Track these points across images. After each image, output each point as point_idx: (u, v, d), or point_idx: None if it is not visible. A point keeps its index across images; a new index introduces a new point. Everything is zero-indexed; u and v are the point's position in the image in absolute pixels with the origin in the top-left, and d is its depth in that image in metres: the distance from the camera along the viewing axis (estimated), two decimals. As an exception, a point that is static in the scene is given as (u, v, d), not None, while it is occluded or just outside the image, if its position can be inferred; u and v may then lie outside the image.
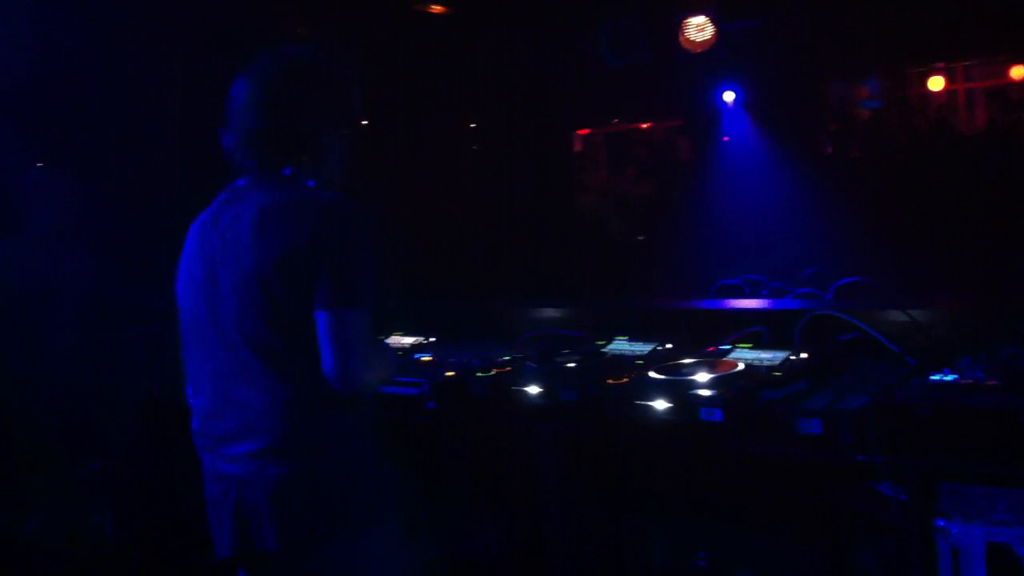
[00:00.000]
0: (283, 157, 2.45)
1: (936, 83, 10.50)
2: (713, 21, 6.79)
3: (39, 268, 4.58)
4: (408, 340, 3.96)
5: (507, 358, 3.50)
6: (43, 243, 4.63)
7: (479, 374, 3.34)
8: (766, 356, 3.02)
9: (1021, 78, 10.12)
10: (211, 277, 2.45)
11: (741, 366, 2.93)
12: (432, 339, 3.96)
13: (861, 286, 4.93)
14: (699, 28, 6.80)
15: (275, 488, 2.36)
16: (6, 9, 4.97)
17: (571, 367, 3.26)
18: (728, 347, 3.19)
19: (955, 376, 2.62)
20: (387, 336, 4.05)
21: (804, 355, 3.01)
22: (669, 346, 3.38)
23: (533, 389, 3.17)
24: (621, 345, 3.47)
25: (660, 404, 2.79)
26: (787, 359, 2.97)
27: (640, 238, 9.99)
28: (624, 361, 3.30)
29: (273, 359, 2.36)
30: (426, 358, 3.68)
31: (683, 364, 3.02)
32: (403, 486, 2.55)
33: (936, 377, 2.62)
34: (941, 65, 10.45)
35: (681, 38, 6.85)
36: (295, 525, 2.36)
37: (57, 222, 4.65)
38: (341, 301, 2.29)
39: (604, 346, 3.50)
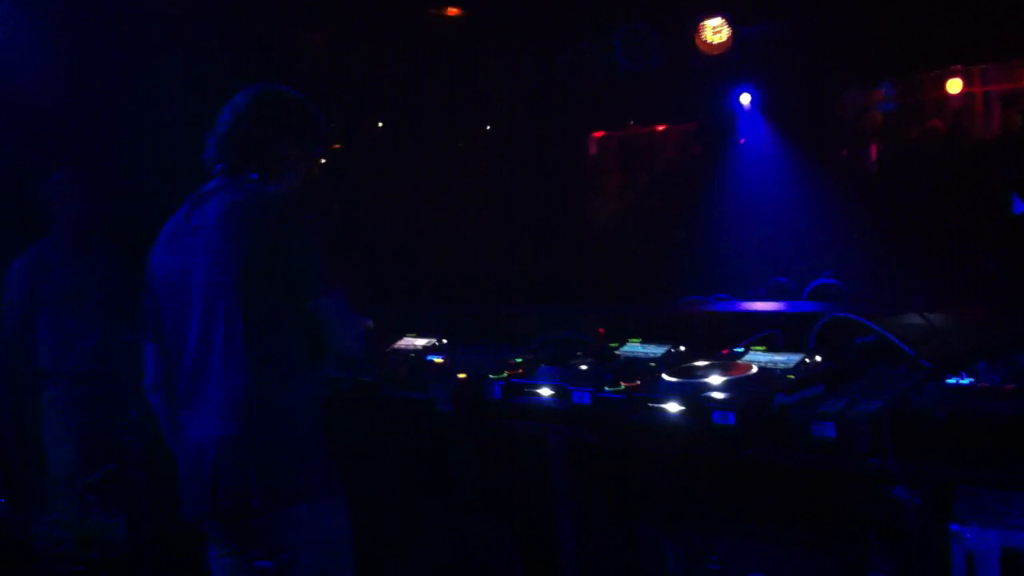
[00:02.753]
0: (249, 163, 2.80)
1: (954, 85, 10.42)
2: (729, 23, 6.76)
3: (64, 272, 4.60)
4: (420, 342, 3.95)
5: (520, 360, 3.48)
6: (68, 246, 4.65)
7: (492, 377, 3.33)
8: (780, 359, 3.00)
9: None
10: (183, 272, 2.74)
11: (755, 369, 2.91)
12: (444, 341, 3.95)
13: (831, 287, 4.91)
14: (715, 30, 6.77)
15: (220, 450, 2.63)
16: (20, 15, 4.99)
17: (584, 370, 3.24)
18: (742, 350, 3.17)
19: (971, 380, 2.60)
20: (399, 338, 4.05)
21: (819, 358, 2.98)
22: (682, 349, 3.36)
23: (546, 392, 3.16)
24: (634, 348, 3.45)
25: (673, 407, 2.78)
26: (802, 362, 2.95)
27: (656, 250, 9.96)
28: (637, 364, 3.28)
29: (235, 349, 2.63)
30: (438, 360, 3.67)
31: (696, 367, 3.00)
32: (337, 468, 2.78)
33: (952, 381, 2.60)
34: (958, 68, 10.38)
35: (697, 40, 6.83)
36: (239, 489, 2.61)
37: (81, 226, 4.68)
38: (327, 286, 2.68)
39: (617, 349, 3.48)
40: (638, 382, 3.00)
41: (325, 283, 2.69)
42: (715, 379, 2.84)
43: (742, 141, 9.80)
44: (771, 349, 3.13)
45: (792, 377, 2.84)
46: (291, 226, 2.68)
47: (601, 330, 3.81)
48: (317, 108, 2.95)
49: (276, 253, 2.64)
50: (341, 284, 2.72)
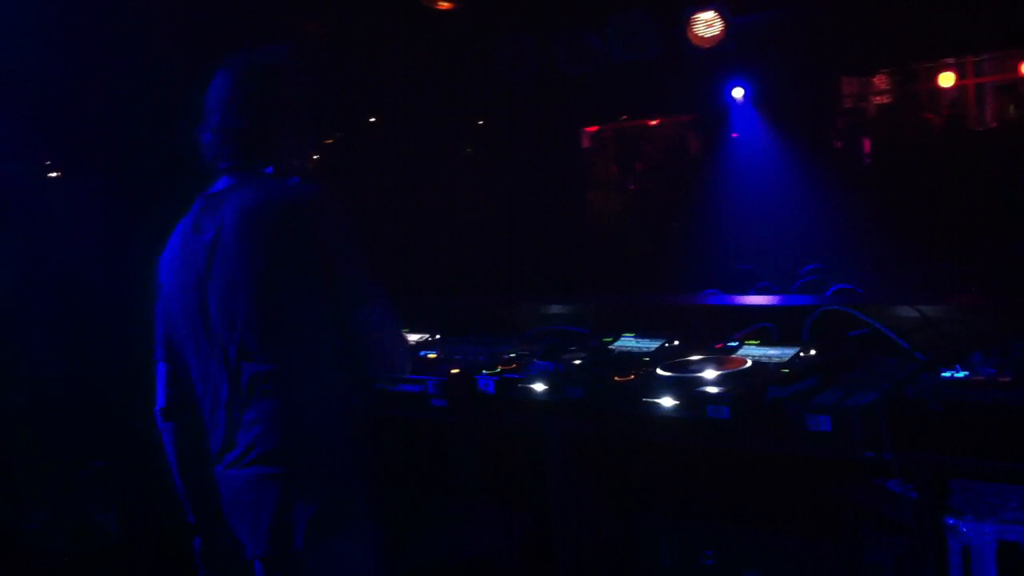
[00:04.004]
0: (257, 154, 2.48)
1: (946, 79, 10.42)
2: (722, 16, 6.75)
3: (49, 267, 4.58)
4: (413, 337, 3.94)
5: (513, 355, 3.47)
6: (49, 241, 4.63)
7: (485, 371, 3.31)
8: (774, 353, 2.99)
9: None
10: (199, 288, 2.43)
11: (749, 363, 2.90)
12: (437, 336, 3.94)
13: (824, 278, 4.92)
14: (708, 23, 6.76)
15: (258, 487, 2.37)
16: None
17: (578, 364, 3.23)
18: (736, 344, 3.16)
19: (966, 372, 2.58)
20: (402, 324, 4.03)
21: (813, 351, 2.97)
22: (676, 343, 3.35)
23: (539, 386, 3.14)
24: (628, 342, 3.44)
25: (667, 401, 2.76)
26: (796, 355, 2.94)
27: (650, 244, 9.97)
28: (631, 358, 3.27)
29: (265, 371, 2.36)
30: (432, 355, 3.66)
31: (690, 361, 2.99)
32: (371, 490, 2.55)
33: (947, 373, 2.59)
34: (951, 60, 10.38)
35: (690, 33, 6.81)
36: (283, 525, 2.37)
37: (66, 222, 4.65)
38: (369, 296, 2.37)
39: (611, 343, 3.47)
40: (632, 376, 2.99)
41: (369, 290, 2.38)
42: (709, 373, 2.83)
43: (735, 135, 9.80)
44: (765, 342, 3.12)
45: (786, 370, 2.83)
46: (330, 227, 2.35)
47: (594, 322, 3.81)
48: (307, 71, 2.61)
49: (313, 259, 2.33)
50: (385, 292, 2.42)
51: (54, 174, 4.72)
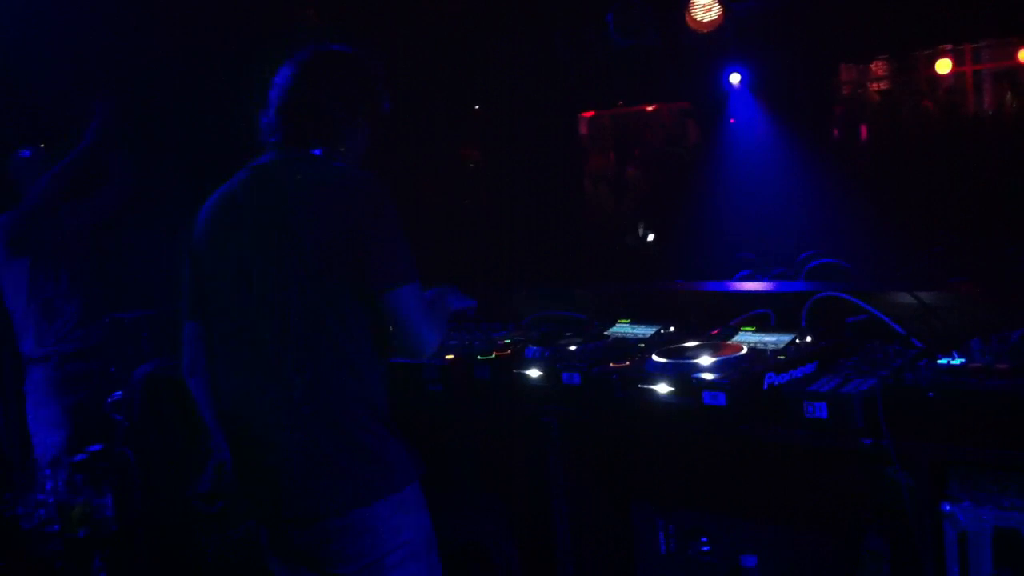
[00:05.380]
0: (310, 134, 2.56)
1: (943, 66, 10.40)
2: (720, 0, 6.73)
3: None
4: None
5: (509, 341, 3.46)
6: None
7: (480, 357, 3.30)
8: (771, 339, 2.98)
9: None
10: (240, 254, 2.51)
11: (745, 349, 2.89)
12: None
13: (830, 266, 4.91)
14: (706, 7, 6.74)
15: (286, 453, 2.46)
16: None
17: (573, 350, 3.22)
18: (732, 330, 3.15)
19: (964, 359, 2.58)
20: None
21: (810, 338, 2.97)
22: (672, 329, 3.34)
23: (535, 372, 3.14)
24: (624, 328, 3.43)
25: (663, 388, 2.76)
26: (793, 342, 2.93)
27: (650, 234, 9.96)
28: (627, 344, 3.26)
29: (302, 341, 2.43)
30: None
31: (686, 347, 2.98)
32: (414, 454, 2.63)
33: (945, 360, 2.58)
34: (949, 47, 10.36)
35: (688, 18, 6.79)
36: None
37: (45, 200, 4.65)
38: (400, 279, 2.43)
39: (607, 329, 3.46)
40: (628, 363, 2.98)
41: (405, 272, 2.45)
42: (705, 359, 2.82)
43: (732, 121, 9.78)
44: (762, 329, 3.11)
45: (783, 357, 2.83)
46: (373, 210, 2.43)
47: (590, 309, 3.80)
48: (375, 63, 2.70)
49: (354, 240, 2.40)
50: (417, 274, 2.48)
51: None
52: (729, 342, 3.01)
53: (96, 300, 4.76)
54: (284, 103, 2.57)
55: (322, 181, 2.48)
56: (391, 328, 2.47)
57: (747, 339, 3.02)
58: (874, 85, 11.01)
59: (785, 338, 2.96)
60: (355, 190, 2.46)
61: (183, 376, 2.72)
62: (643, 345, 3.21)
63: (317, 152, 2.57)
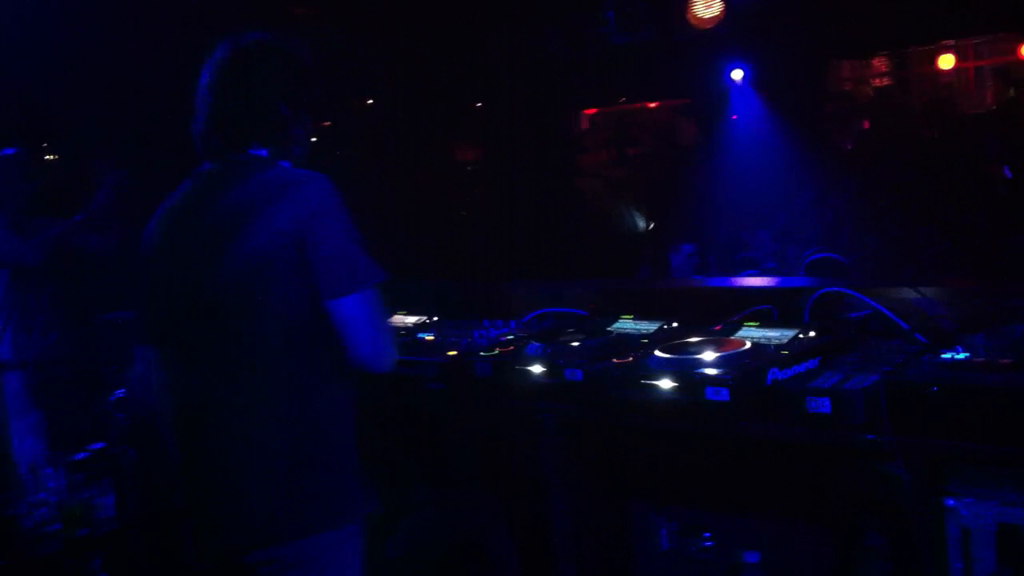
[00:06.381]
0: (250, 136, 2.41)
1: (946, 61, 10.39)
2: (721, -3, 6.73)
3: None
4: (410, 319, 3.92)
5: (511, 337, 3.45)
6: (9, 225, 4.61)
7: (482, 353, 3.29)
8: (774, 335, 2.97)
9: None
10: (187, 269, 2.38)
11: (748, 345, 2.88)
12: (435, 318, 3.92)
13: (830, 262, 4.90)
14: (707, 4, 6.73)
15: (241, 479, 2.33)
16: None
17: (575, 346, 3.21)
18: (735, 325, 3.14)
19: (967, 355, 2.57)
20: (389, 315, 4.01)
21: (813, 333, 2.95)
22: (675, 325, 3.33)
23: (537, 368, 3.13)
24: (626, 324, 3.42)
25: (666, 383, 2.74)
26: (795, 337, 2.92)
27: (650, 226, 9.94)
28: (629, 340, 3.25)
29: (266, 360, 2.31)
30: (429, 337, 3.64)
31: (689, 343, 2.97)
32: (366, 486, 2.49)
33: (947, 355, 2.57)
34: (950, 43, 10.35)
35: (688, 14, 6.78)
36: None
37: (22, 203, 4.65)
38: (351, 285, 2.29)
39: (609, 325, 3.45)
40: (630, 358, 2.97)
41: (355, 277, 2.31)
42: (708, 355, 2.81)
43: (734, 117, 9.76)
44: (764, 324, 3.10)
45: (786, 352, 2.81)
46: (319, 212, 2.28)
47: (591, 305, 3.79)
48: (302, 48, 2.52)
49: (299, 246, 2.25)
50: (373, 280, 2.34)
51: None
52: (732, 338, 3.00)
53: (76, 309, 4.74)
54: (219, 102, 2.42)
55: (264, 185, 2.33)
56: (342, 338, 2.32)
57: (750, 335, 3.01)
58: (875, 80, 11.00)
59: (788, 334, 2.95)
60: (299, 192, 2.31)
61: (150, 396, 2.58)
62: (645, 341, 3.19)
63: (263, 153, 2.44)
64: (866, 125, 10.36)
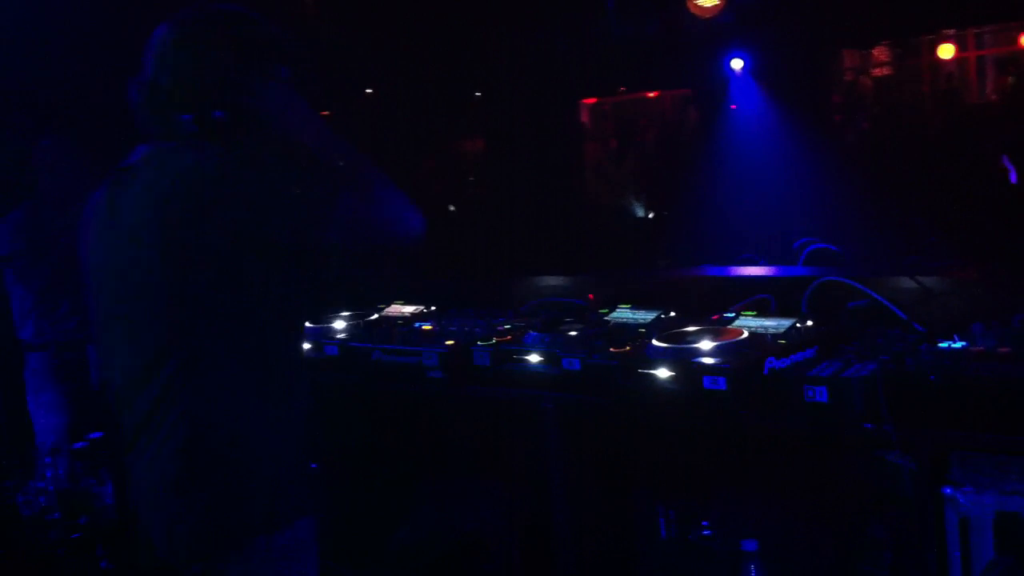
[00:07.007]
0: (187, 110, 2.16)
1: (947, 51, 10.35)
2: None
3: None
4: (408, 309, 3.92)
5: (509, 327, 3.45)
6: (45, 208, 4.61)
7: (481, 343, 3.29)
8: (772, 324, 2.97)
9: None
10: (110, 271, 2.20)
11: (746, 334, 2.88)
12: (433, 308, 3.92)
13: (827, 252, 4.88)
14: (707, -7, 6.72)
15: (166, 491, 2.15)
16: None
17: (573, 336, 3.21)
18: (733, 315, 3.14)
19: (965, 344, 2.57)
20: (387, 305, 4.01)
21: (811, 323, 2.95)
22: (673, 314, 3.33)
23: (535, 358, 3.13)
24: (624, 313, 3.42)
25: (663, 373, 2.74)
26: (793, 327, 2.92)
27: (651, 215, 9.93)
28: (627, 330, 3.25)
29: (185, 367, 2.09)
30: (427, 327, 3.64)
31: (687, 332, 2.96)
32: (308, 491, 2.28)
33: (946, 345, 2.57)
34: (951, 32, 10.31)
35: (689, 3, 6.77)
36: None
37: (59, 191, 4.64)
38: (317, 230, 2.09)
39: (607, 315, 3.45)
40: (628, 348, 2.97)
41: (322, 213, 2.07)
42: (706, 344, 2.81)
43: (734, 107, 9.74)
44: (762, 314, 3.10)
45: (784, 342, 2.81)
46: (241, 199, 2.03)
47: (591, 295, 3.79)
48: (266, 22, 2.26)
49: (228, 240, 2.03)
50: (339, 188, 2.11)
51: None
52: (730, 327, 3.00)
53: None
54: (151, 79, 2.18)
55: (176, 177, 2.09)
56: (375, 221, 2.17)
57: (748, 324, 3.01)
58: (876, 71, 10.97)
59: (786, 323, 2.95)
60: (216, 181, 2.06)
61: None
62: (643, 330, 3.19)
63: (200, 138, 2.16)
64: (866, 115, 10.34)
